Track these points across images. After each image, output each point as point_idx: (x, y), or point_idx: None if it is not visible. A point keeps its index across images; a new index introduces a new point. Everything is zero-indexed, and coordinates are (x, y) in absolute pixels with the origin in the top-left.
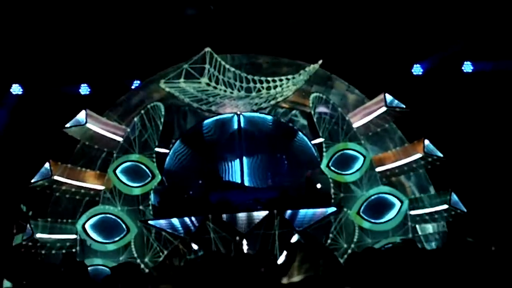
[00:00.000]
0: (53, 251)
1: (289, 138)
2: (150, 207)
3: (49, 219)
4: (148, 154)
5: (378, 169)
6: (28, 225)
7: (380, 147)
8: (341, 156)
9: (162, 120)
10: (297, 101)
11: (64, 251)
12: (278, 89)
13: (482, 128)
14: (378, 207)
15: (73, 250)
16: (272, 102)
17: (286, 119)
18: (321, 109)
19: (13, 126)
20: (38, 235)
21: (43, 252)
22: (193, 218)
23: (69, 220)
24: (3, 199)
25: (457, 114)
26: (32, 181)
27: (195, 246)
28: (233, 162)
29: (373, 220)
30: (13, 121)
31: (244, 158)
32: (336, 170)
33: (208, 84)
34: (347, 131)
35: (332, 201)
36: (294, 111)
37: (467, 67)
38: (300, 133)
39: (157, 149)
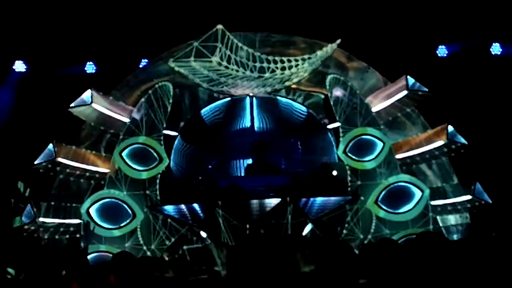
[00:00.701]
0: (56, 236)
1: (304, 122)
2: (157, 192)
3: (52, 202)
4: (155, 137)
5: (398, 156)
6: (28, 207)
7: (401, 133)
8: (359, 142)
9: (170, 100)
10: (312, 82)
11: (67, 236)
12: (293, 69)
13: (510, 114)
14: (397, 196)
15: (77, 235)
16: (287, 84)
17: (300, 101)
18: (338, 91)
19: (16, 105)
20: (41, 219)
21: (45, 237)
22: (202, 205)
23: (74, 204)
24: (6, 182)
25: (483, 99)
26: (35, 162)
27: (203, 234)
28: (244, 146)
29: (391, 210)
30: (16, 100)
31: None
32: (353, 157)
33: (219, 64)
34: (366, 115)
35: (349, 189)
36: (309, 93)
37: (496, 48)
38: (315, 117)
39: (165, 132)
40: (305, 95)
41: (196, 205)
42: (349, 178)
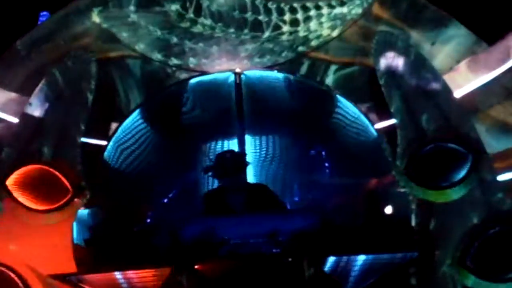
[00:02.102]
0: None
1: (333, 118)
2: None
3: None
4: (65, 150)
5: (502, 177)
6: None
7: (507, 136)
8: (432, 152)
9: (92, 85)
10: (347, 48)
11: None
12: (313, 23)
13: None
14: (501, 253)
15: None
16: (301, 50)
17: (329, 81)
18: (395, 62)
19: None
20: None
21: None
22: (149, 271)
23: None
24: None
25: None
26: None
27: None
28: (227, 163)
29: (488, 277)
30: None
31: (248, 150)
32: (421, 179)
33: (181, 16)
34: (444, 106)
35: (414, 237)
36: (340, 67)
37: None
38: (351, 107)
39: (84, 140)
40: (334, 70)
41: (138, 273)
42: (414, 218)
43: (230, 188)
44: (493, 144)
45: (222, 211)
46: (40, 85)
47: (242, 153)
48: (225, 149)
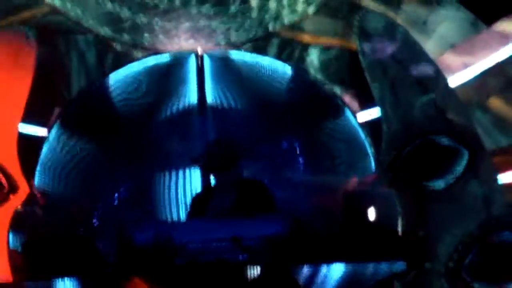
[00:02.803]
0: None
1: (309, 106)
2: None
3: None
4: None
5: (502, 177)
6: None
7: (509, 130)
8: (422, 148)
9: (32, 62)
10: (325, 25)
11: None
12: None
13: None
14: (500, 261)
15: None
16: (272, 27)
17: (300, 62)
18: (380, 43)
19: None
20: None
21: None
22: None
23: None
24: None
25: None
26: None
27: None
28: (187, 153)
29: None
30: None
31: (212, 143)
32: (409, 178)
33: None
34: (436, 95)
35: (401, 244)
36: (318, 49)
37: None
38: (331, 95)
39: (21, 129)
40: (318, 52)
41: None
42: (401, 223)
43: (220, 185)
44: (492, 139)
45: (209, 211)
46: None
47: (235, 144)
48: (185, 142)
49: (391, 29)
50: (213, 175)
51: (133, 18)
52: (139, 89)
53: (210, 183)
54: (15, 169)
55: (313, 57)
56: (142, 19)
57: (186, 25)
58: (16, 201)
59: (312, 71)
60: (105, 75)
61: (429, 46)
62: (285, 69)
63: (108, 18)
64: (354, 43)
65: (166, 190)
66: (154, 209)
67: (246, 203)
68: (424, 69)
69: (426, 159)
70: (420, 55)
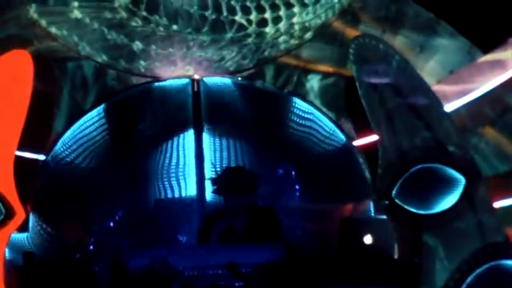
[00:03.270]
0: None
1: (304, 131)
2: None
3: None
4: None
5: (498, 204)
6: None
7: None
8: (420, 175)
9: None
10: (321, 52)
11: None
12: (283, 24)
13: None
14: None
15: None
16: (268, 54)
17: (298, 90)
18: (376, 70)
19: None
20: None
21: None
22: None
23: None
24: None
25: None
26: None
27: None
28: (183, 179)
29: None
30: None
31: (207, 170)
32: (406, 205)
33: (131, 13)
34: (433, 122)
35: (397, 270)
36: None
37: None
38: (326, 121)
39: (18, 153)
40: (319, 79)
41: None
42: (397, 249)
43: (232, 210)
44: (489, 166)
45: (222, 236)
46: None
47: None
48: (182, 166)
49: (387, 56)
50: (224, 198)
51: (130, 45)
52: (137, 115)
53: (213, 209)
54: (12, 195)
55: (313, 83)
56: (138, 46)
57: (182, 52)
58: (12, 227)
59: (311, 96)
60: (98, 102)
61: (426, 73)
62: (282, 96)
63: (105, 45)
64: (350, 70)
65: (163, 215)
66: (150, 235)
67: (256, 229)
68: (421, 97)
69: (422, 186)
70: (416, 83)
